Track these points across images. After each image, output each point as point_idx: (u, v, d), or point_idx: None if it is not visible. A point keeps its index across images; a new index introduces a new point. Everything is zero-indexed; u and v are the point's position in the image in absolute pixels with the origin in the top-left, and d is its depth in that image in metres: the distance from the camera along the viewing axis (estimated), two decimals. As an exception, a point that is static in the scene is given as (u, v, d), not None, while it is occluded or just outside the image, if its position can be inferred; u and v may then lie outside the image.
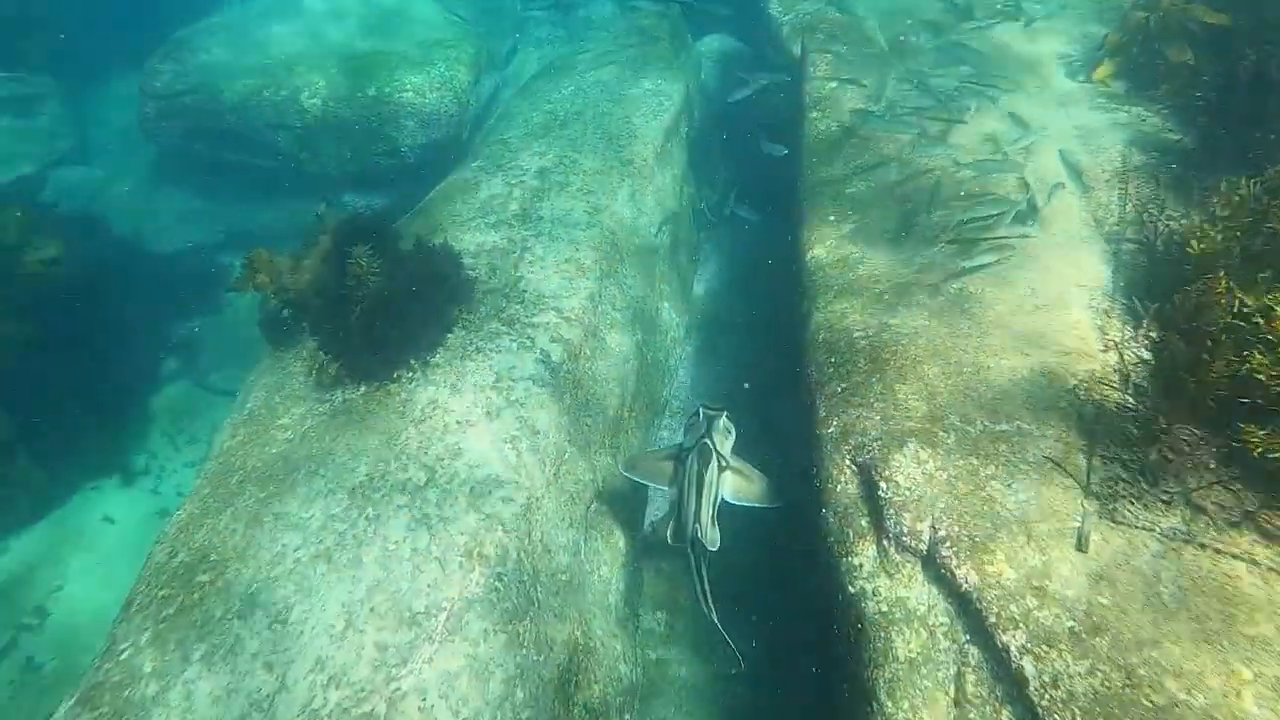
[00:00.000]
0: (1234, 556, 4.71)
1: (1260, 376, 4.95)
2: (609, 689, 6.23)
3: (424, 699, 4.90)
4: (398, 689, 4.90)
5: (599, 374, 7.67)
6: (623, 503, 7.53)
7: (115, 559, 9.59)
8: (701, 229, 11.46)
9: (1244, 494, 4.94)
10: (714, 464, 6.16)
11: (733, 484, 6.28)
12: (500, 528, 5.74)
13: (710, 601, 5.74)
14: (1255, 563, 4.67)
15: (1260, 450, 4.79)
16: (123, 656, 5.48)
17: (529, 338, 7.20)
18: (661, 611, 7.52)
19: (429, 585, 5.31)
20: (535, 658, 5.51)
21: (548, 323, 7.40)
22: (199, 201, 12.72)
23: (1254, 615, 4.43)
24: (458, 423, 6.34)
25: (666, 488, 6.56)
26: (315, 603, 5.30)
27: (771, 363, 8.71)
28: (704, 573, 5.76)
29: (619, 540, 7.26)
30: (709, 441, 6.26)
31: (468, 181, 9.18)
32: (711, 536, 5.87)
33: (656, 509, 8.12)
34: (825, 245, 7.82)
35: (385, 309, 6.60)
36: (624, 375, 8.05)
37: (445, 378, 6.77)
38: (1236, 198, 5.93)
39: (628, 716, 6.51)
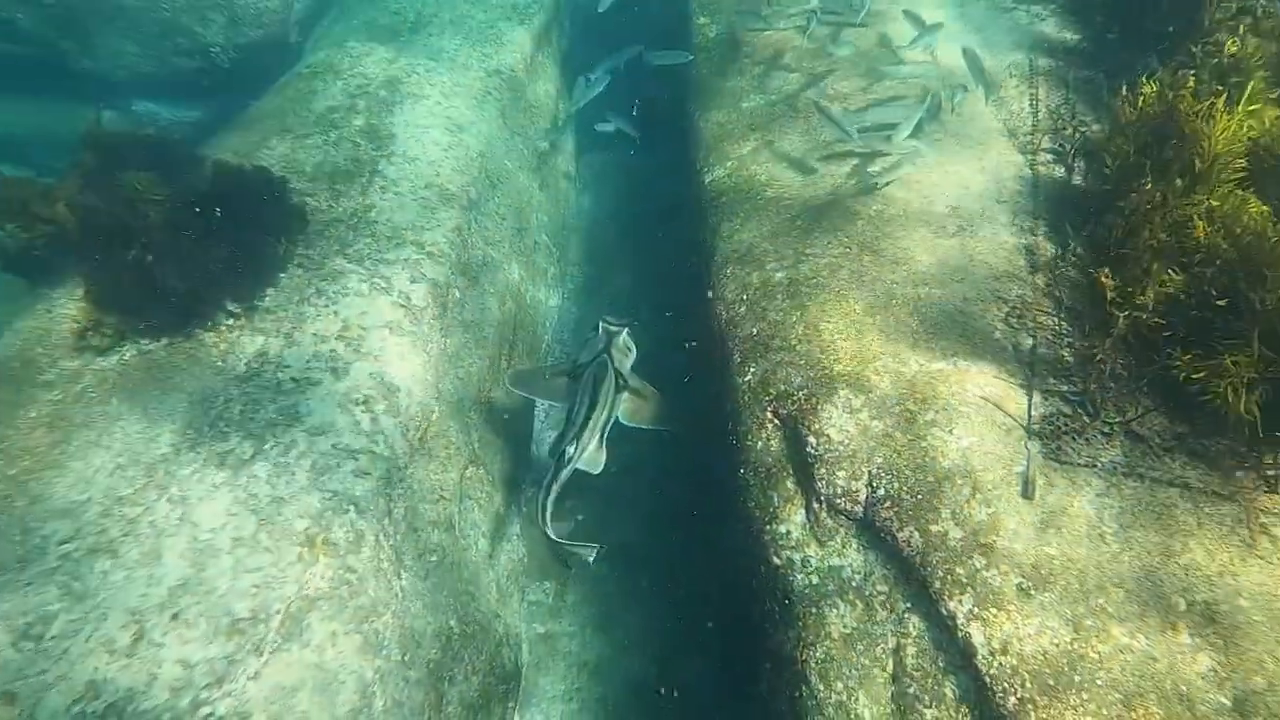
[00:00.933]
0: (1169, 484, 4.31)
1: (1181, 296, 4.58)
2: (489, 679, 5.31)
3: (248, 728, 3.82)
4: (209, 714, 3.79)
5: (470, 318, 6.58)
6: (503, 460, 6.55)
7: None
8: (581, 153, 10.37)
9: (1176, 419, 4.55)
10: (610, 381, 5.60)
11: (630, 405, 5.77)
12: (352, 508, 4.63)
13: (547, 516, 5.17)
14: (1188, 487, 4.29)
15: (1185, 375, 4.39)
16: None
17: (384, 277, 5.99)
18: (549, 581, 6.64)
19: (257, 584, 4.17)
20: (398, 657, 4.50)
21: (407, 259, 6.21)
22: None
23: (1187, 543, 4.05)
24: (294, 380, 5.12)
25: (557, 403, 6.02)
26: (90, 612, 4.04)
27: (669, 299, 7.86)
28: (554, 487, 5.23)
29: (498, 505, 6.28)
30: (607, 358, 5.73)
31: (300, 91, 7.68)
32: (594, 457, 5.43)
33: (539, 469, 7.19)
34: (725, 166, 6.97)
35: (175, 245, 5.22)
36: (500, 319, 7.00)
37: (278, 325, 5.50)
38: (1139, 101, 5.48)
39: (511, 704, 5.63)
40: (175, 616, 3.99)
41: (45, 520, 4.42)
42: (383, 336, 5.60)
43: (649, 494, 7.02)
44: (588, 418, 5.41)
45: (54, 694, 3.77)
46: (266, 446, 4.73)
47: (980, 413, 4.65)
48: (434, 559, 5.17)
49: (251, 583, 4.16)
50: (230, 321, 5.47)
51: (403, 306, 5.89)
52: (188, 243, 5.27)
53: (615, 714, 5.79)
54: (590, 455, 5.41)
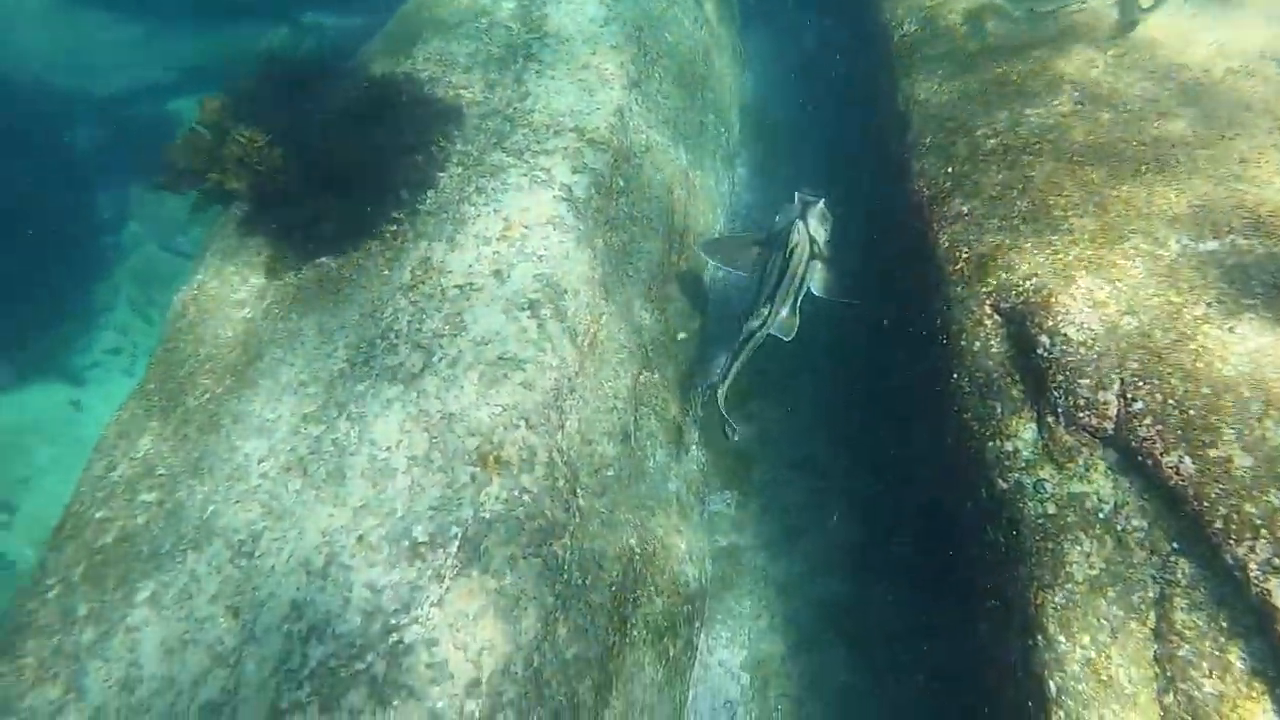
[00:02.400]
0: None
1: None
2: (674, 599, 5.08)
3: (433, 651, 3.73)
4: (399, 642, 3.72)
5: (637, 209, 6.08)
6: (678, 363, 6.14)
7: (86, 448, 8.63)
8: (746, 24, 9.36)
9: None
10: (804, 248, 5.39)
11: (823, 275, 5.57)
12: (522, 423, 4.38)
13: (728, 377, 5.20)
14: None
15: None
16: (51, 595, 4.37)
17: (544, 170, 5.57)
18: (731, 490, 6.29)
19: (433, 506, 4.03)
20: (580, 581, 4.30)
21: (567, 148, 5.75)
22: (133, 25, 10.60)
23: None
24: (458, 287, 4.86)
25: (747, 272, 5.76)
26: (289, 532, 4.07)
27: (852, 178, 7.01)
28: (744, 351, 5.19)
29: (675, 411, 5.92)
30: (802, 224, 5.50)
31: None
32: (788, 323, 5.30)
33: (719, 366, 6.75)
34: (917, 17, 5.92)
35: (338, 161, 5.05)
36: (668, 207, 6.45)
37: (440, 229, 5.24)
38: None
39: (697, 624, 5.41)
40: (360, 539, 3.93)
41: (246, 438, 4.48)
42: (545, 234, 5.22)
43: (839, 402, 6.44)
44: (780, 283, 5.25)
45: (266, 611, 3.84)
46: (434, 359, 4.53)
47: (1270, 304, 3.67)
48: (610, 474, 4.89)
49: (428, 505, 4.02)
50: (394, 229, 5.26)
51: (565, 200, 5.46)
52: (349, 155, 5.07)
53: (807, 635, 5.45)
54: (784, 320, 5.26)
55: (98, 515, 4.52)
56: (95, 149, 9.92)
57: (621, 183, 5.99)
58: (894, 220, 5.52)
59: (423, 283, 4.91)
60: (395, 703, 3.62)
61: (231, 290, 5.30)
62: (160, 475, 4.56)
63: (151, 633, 3.98)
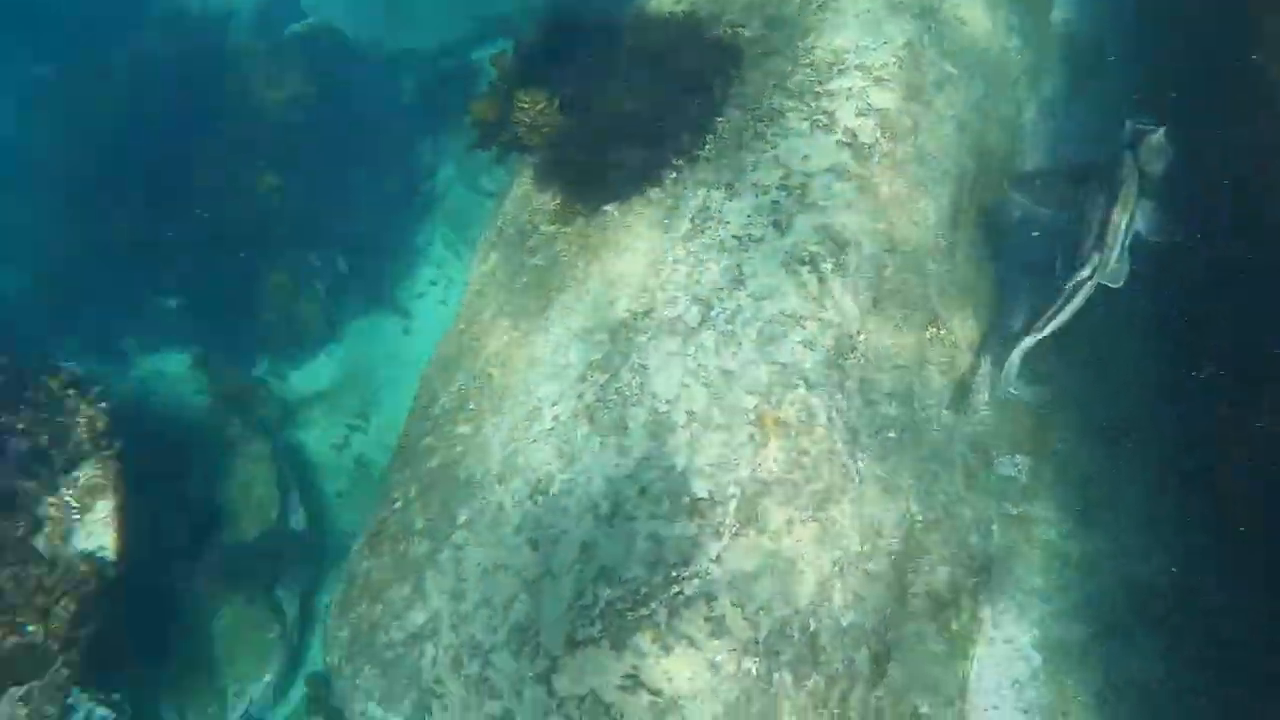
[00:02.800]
0: None
1: None
2: (957, 570, 4.80)
3: (712, 605, 3.86)
4: (679, 593, 3.89)
5: (926, 150, 5.58)
6: (967, 316, 5.65)
7: (414, 369, 9.79)
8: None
9: None
10: (1133, 183, 4.78)
11: (1155, 217, 4.90)
12: (802, 382, 4.29)
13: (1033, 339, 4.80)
14: None
15: None
16: (396, 507, 5.12)
17: (825, 113, 5.26)
18: (1023, 455, 5.75)
19: (711, 463, 4.10)
20: (858, 548, 4.20)
21: (850, 88, 5.37)
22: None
23: None
24: (736, 238, 4.80)
25: (1061, 214, 5.25)
26: (578, 476, 4.37)
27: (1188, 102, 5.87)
28: (1068, 305, 4.76)
29: (962, 369, 5.48)
30: (1130, 155, 4.88)
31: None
32: (1117, 270, 4.76)
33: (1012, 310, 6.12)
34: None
35: (618, 111, 5.13)
36: (959, 149, 5.84)
37: (718, 175, 5.18)
38: None
39: (980, 598, 5.09)
40: (643, 491, 4.12)
41: (540, 383, 4.85)
42: (826, 183, 4.97)
43: (1164, 361, 5.58)
44: (1106, 224, 4.72)
45: (561, 549, 4.20)
46: (713, 313, 4.54)
47: None
48: (891, 436, 4.67)
49: (706, 461, 4.10)
50: (673, 176, 5.29)
51: (848, 145, 5.14)
52: (632, 103, 5.13)
53: (1111, 621, 4.92)
54: (1113, 267, 4.72)
55: (425, 443, 5.18)
56: (416, 99, 11.01)
57: (909, 123, 5.50)
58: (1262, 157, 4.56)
59: (702, 233, 4.91)
60: (677, 650, 3.81)
61: (527, 237, 5.67)
62: (471, 409, 5.10)
63: (472, 553, 4.52)
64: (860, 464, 4.39)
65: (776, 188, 4.92)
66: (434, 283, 10.35)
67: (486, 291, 5.64)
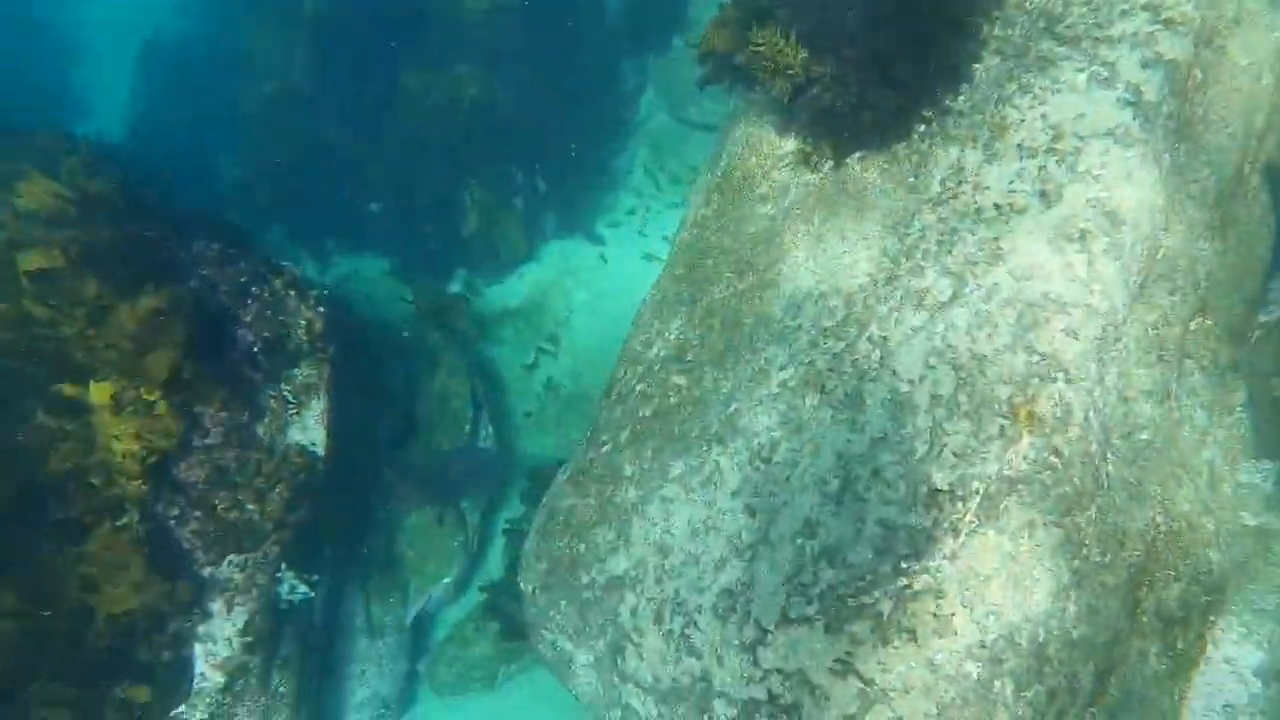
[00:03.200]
0: None
1: None
2: (1191, 587, 4.42)
3: (938, 603, 3.68)
4: (906, 586, 3.73)
5: (1214, 109, 4.88)
6: (1234, 303, 5.04)
7: (608, 299, 9.82)
8: None
9: None
10: None
11: None
12: (1061, 375, 3.92)
13: None
14: None
15: None
16: (604, 449, 5.17)
17: (1105, 64, 4.64)
18: (1272, 460, 5.19)
19: (955, 454, 3.85)
20: (1098, 558, 3.89)
21: (1136, 34, 4.70)
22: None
23: None
24: (996, 206, 4.38)
25: None
26: (805, 446, 4.22)
27: None
28: None
29: (1223, 362, 4.93)
30: None
31: None
32: None
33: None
34: None
35: (854, 62, 4.66)
36: (1253, 103, 5.09)
37: (974, 132, 4.71)
38: None
39: (1211, 618, 4.69)
40: (876, 473, 3.94)
41: (766, 343, 4.68)
42: (1104, 149, 4.42)
43: None
44: None
45: (781, 520, 4.11)
46: (966, 290, 4.19)
47: None
48: (1144, 438, 4.26)
49: (951, 451, 3.85)
50: (922, 129, 4.86)
51: (1130, 105, 4.53)
52: (881, 40, 4.68)
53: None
54: None
55: (638, 388, 5.15)
56: (622, 18, 10.67)
57: (1199, 75, 4.81)
58: None
59: (954, 197, 4.51)
60: (895, 644, 3.68)
61: (755, 185, 5.42)
62: (689, 361, 5.00)
63: (681, 508, 4.50)
64: (1110, 467, 4.03)
65: (1044, 151, 4.42)
66: (632, 212, 10.23)
67: (708, 238, 5.46)
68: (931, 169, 4.70)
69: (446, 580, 7.87)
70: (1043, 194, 4.33)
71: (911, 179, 4.75)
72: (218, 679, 5.96)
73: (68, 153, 7.72)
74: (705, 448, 4.58)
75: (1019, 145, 4.53)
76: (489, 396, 8.98)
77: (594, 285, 9.98)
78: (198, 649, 5.91)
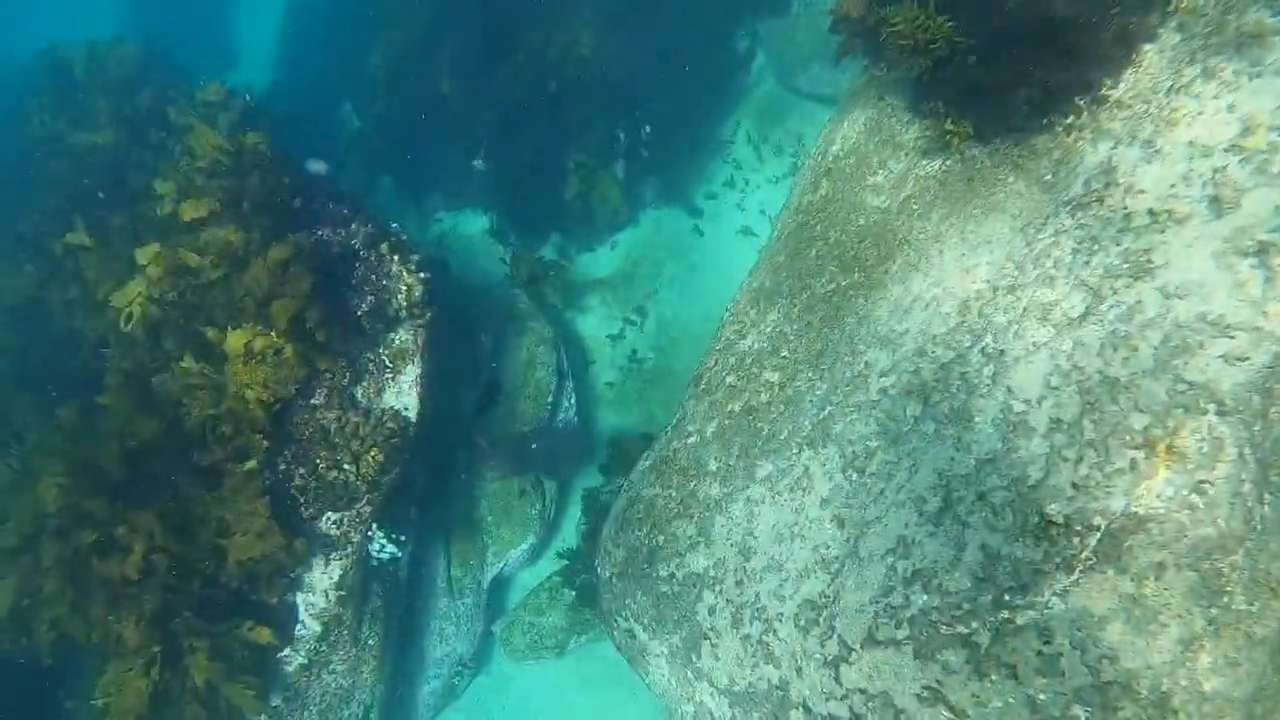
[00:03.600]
0: None
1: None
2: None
3: (1046, 641, 3.38)
4: (1008, 620, 3.44)
5: None
6: None
7: (700, 272, 9.56)
8: None
9: None
10: None
11: None
12: (1212, 406, 3.49)
13: None
14: None
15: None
16: (690, 440, 5.00)
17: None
18: None
19: (1075, 484, 3.49)
20: (1244, 607, 3.47)
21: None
22: None
23: None
24: (1150, 213, 3.92)
25: None
26: (903, 460, 3.93)
27: None
28: None
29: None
30: None
31: None
32: None
33: None
34: None
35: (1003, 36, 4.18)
36: None
37: (1132, 126, 4.21)
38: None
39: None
40: (981, 497, 3.62)
41: (868, 346, 4.39)
42: (1294, 150, 3.87)
43: None
44: None
45: (873, 536, 3.86)
46: (1103, 306, 3.78)
47: None
48: (1302, 481, 3.76)
49: (1068, 480, 3.49)
50: (1068, 120, 4.40)
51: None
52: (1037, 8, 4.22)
53: None
54: None
55: (728, 380, 4.94)
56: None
57: None
58: None
59: (1100, 200, 4.06)
60: (993, 678, 3.41)
61: (869, 172, 5.08)
62: (784, 357, 4.76)
63: (767, 511, 4.30)
64: (1266, 508, 3.58)
65: (1226, 149, 3.90)
66: (730, 184, 9.87)
67: (813, 226, 5.16)
68: (1075, 166, 4.25)
69: (523, 547, 7.92)
70: (1214, 200, 3.83)
71: (1049, 176, 4.31)
72: (315, 628, 6.18)
73: (225, 106, 8.09)
74: (796, 450, 4.35)
75: (1190, 142, 4.01)
76: (572, 364, 8.92)
77: (686, 258, 9.70)
78: (299, 598, 6.14)
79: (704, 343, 8.89)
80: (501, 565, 7.91)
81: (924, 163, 4.79)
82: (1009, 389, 3.78)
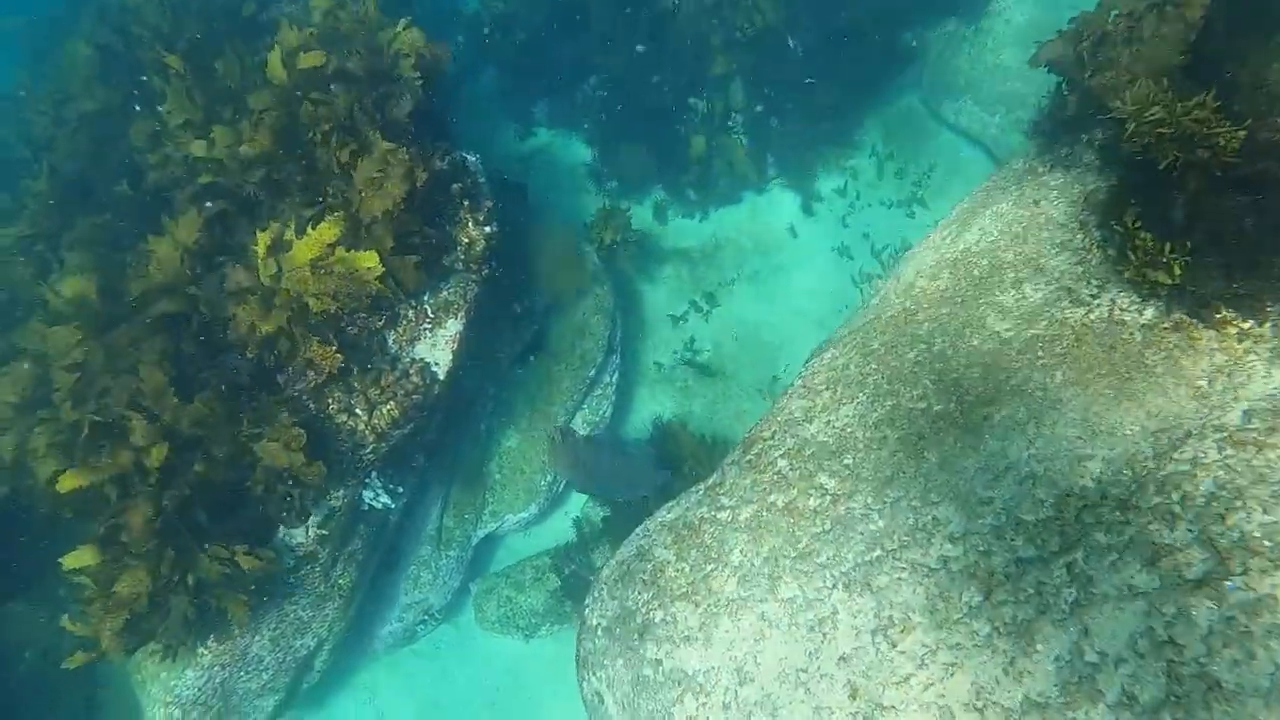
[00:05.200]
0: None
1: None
2: None
3: None
4: None
5: None
6: None
7: (782, 275, 8.98)
8: None
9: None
10: None
11: None
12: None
13: None
14: None
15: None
16: (720, 514, 4.63)
17: None
18: None
19: (1127, 769, 3.08)
20: None
21: None
22: None
23: None
24: (1313, 480, 3.34)
25: None
26: (939, 653, 3.53)
27: None
28: None
29: None
30: None
31: None
32: None
33: None
34: None
35: None
36: None
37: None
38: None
39: None
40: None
41: (942, 499, 3.94)
42: None
43: None
44: None
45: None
46: (1226, 582, 3.26)
47: None
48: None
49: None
50: (1248, 324, 3.76)
51: None
52: None
53: None
54: None
55: (780, 464, 4.53)
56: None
57: None
58: None
59: (1258, 446, 3.48)
60: None
61: (999, 287, 4.48)
62: (846, 465, 4.30)
63: (779, 640, 3.95)
64: None
65: None
66: (841, 193, 9.09)
67: (919, 322, 4.61)
68: (1237, 384, 3.66)
69: (523, 515, 7.72)
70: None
71: (1203, 382, 3.72)
72: (287, 561, 6.02)
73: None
74: (829, 585, 3.95)
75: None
76: (626, 335, 8.47)
77: (772, 256, 9.08)
78: (280, 530, 5.97)
79: (763, 354, 8.51)
80: (496, 526, 7.73)
81: (1066, 306, 4.19)
82: (1086, 630, 3.33)
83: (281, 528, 5.88)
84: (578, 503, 8.11)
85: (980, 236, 4.88)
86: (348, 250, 5.49)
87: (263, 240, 5.43)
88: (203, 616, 5.50)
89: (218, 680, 6.18)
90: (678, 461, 7.38)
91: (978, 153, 8.77)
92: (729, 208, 9.32)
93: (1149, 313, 4.02)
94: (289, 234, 5.49)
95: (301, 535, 6.04)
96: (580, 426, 8.04)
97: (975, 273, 4.73)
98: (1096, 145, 4.87)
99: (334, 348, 5.51)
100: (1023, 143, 8.01)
